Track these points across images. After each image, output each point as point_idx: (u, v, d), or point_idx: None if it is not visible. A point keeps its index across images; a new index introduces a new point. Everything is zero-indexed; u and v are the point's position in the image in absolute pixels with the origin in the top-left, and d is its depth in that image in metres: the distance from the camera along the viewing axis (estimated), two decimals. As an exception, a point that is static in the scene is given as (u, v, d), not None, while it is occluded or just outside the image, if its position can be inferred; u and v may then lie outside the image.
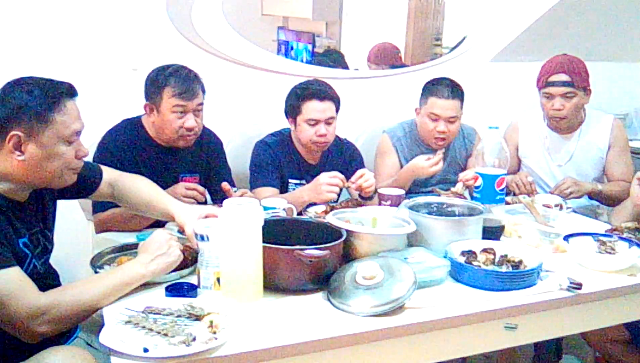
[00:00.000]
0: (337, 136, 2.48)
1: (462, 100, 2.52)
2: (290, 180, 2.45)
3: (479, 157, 2.31)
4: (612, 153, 2.64)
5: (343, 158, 2.54)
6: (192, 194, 2.09)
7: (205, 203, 2.21)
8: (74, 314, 1.43)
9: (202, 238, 1.56)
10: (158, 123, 2.16)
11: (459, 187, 2.31)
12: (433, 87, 2.52)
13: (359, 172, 2.21)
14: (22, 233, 1.54)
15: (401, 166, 2.58)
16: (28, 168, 1.49)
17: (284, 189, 2.42)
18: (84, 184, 1.76)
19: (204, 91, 2.19)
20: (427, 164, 2.37)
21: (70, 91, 1.53)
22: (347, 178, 2.25)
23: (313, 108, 2.32)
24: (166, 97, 2.10)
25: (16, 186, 1.52)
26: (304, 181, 2.44)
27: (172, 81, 2.10)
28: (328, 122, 2.35)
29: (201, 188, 2.15)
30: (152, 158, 2.21)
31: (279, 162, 2.42)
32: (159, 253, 1.54)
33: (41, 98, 1.46)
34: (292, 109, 2.38)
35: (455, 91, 2.49)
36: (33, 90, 1.47)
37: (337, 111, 2.39)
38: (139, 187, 1.83)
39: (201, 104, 2.17)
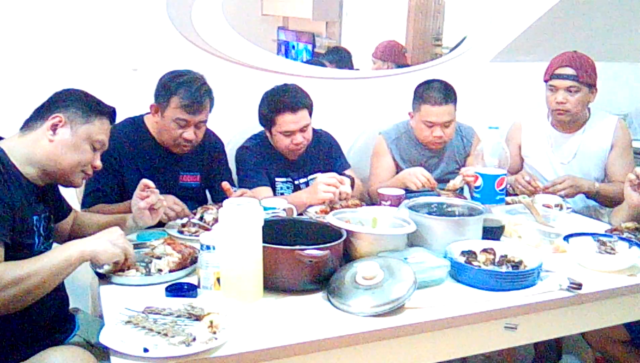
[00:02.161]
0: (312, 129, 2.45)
1: (455, 102, 2.49)
2: (276, 179, 2.44)
3: (478, 157, 2.30)
4: (613, 153, 2.63)
5: (321, 148, 2.54)
6: (177, 209, 2.00)
7: (201, 203, 2.21)
8: (15, 295, 1.39)
9: (207, 248, 1.56)
10: (160, 125, 2.17)
11: (457, 180, 2.30)
12: (425, 94, 2.47)
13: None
14: (36, 212, 1.59)
15: (396, 167, 2.59)
16: (53, 152, 1.59)
17: (272, 189, 2.42)
18: (61, 206, 1.82)
19: (212, 106, 2.17)
20: (419, 184, 2.34)
21: (113, 115, 1.75)
22: (329, 167, 2.34)
23: (287, 121, 2.30)
24: (172, 106, 2.10)
25: (37, 173, 1.60)
26: (290, 179, 2.45)
27: (181, 91, 2.08)
28: (303, 130, 2.34)
29: (187, 210, 2.04)
30: (153, 157, 2.21)
31: (263, 163, 2.41)
32: (106, 237, 1.55)
33: (92, 104, 1.68)
34: (266, 121, 2.36)
35: (448, 95, 2.45)
36: (89, 97, 1.69)
37: (311, 114, 2.37)
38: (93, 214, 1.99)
39: (204, 121, 2.16)
